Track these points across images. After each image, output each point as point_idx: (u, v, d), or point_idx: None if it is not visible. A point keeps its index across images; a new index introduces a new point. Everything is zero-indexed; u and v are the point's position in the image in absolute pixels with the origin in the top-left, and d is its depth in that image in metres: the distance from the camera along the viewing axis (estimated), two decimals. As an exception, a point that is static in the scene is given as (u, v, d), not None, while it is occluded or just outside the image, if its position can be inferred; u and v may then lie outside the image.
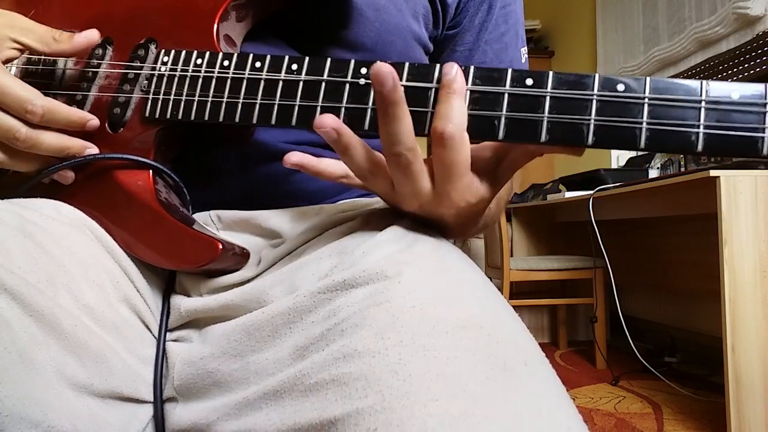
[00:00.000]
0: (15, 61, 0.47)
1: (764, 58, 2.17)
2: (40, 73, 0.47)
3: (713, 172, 1.38)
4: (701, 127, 0.30)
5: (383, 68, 0.32)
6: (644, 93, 0.32)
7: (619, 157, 3.06)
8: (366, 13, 0.49)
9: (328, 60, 0.38)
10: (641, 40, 2.95)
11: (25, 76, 0.47)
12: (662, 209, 1.85)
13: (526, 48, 0.62)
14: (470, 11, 0.57)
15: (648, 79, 0.32)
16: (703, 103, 0.31)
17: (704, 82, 0.31)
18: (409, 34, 0.52)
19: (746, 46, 2.21)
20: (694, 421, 1.67)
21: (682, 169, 2.23)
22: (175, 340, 0.43)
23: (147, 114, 0.43)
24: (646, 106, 0.31)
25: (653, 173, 2.33)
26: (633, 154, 2.86)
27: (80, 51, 0.44)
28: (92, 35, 0.44)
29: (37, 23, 0.44)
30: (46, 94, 0.43)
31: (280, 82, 0.39)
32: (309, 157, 0.37)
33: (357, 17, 0.49)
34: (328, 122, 0.34)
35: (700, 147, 0.30)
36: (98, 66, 0.46)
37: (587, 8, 3.44)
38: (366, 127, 0.37)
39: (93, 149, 0.43)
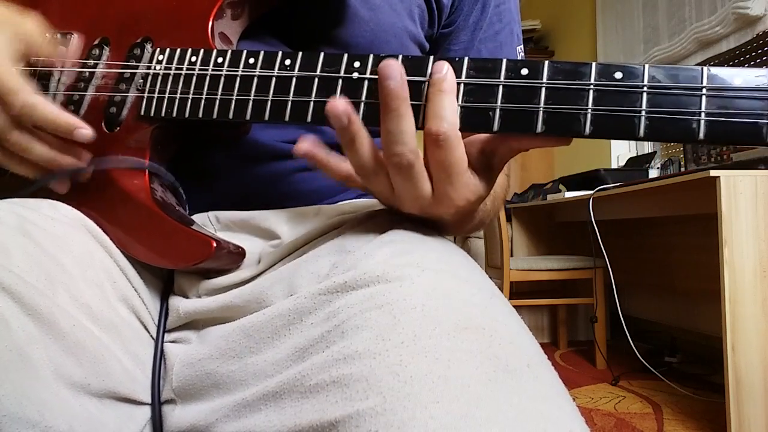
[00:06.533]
0: None
1: (764, 58, 2.17)
2: (38, 74, 0.47)
3: (713, 172, 1.37)
4: (702, 114, 0.30)
5: (391, 63, 0.31)
6: (643, 81, 0.31)
7: (619, 157, 3.06)
8: (361, 12, 0.49)
9: (322, 54, 0.38)
10: (641, 40, 2.94)
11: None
12: (662, 209, 1.85)
13: (522, 46, 0.62)
14: (464, 10, 0.56)
15: (647, 66, 0.31)
16: (704, 90, 0.30)
17: (705, 68, 0.30)
18: (405, 34, 0.52)
19: (746, 46, 2.21)
20: (694, 421, 1.67)
21: (682, 169, 2.23)
22: (173, 342, 0.42)
23: (142, 112, 0.43)
24: (645, 94, 0.31)
25: (653, 173, 2.33)
26: (633, 153, 2.86)
27: None
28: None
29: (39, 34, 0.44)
30: (44, 95, 0.42)
31: (273, 78, 0.39)
32: (320, 149, 0.36)
33: (352, 17, 0.49)
34: (341, 107, 0.33)
35: (701, 135, 0.30)
36: (95, 66, 0.46)
37: (587, 8, 3.43)
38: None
39: (83, 165, 0.43)
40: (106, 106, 0.44)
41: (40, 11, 0.49)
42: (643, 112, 0.31)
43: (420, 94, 0.34)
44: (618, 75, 0.31)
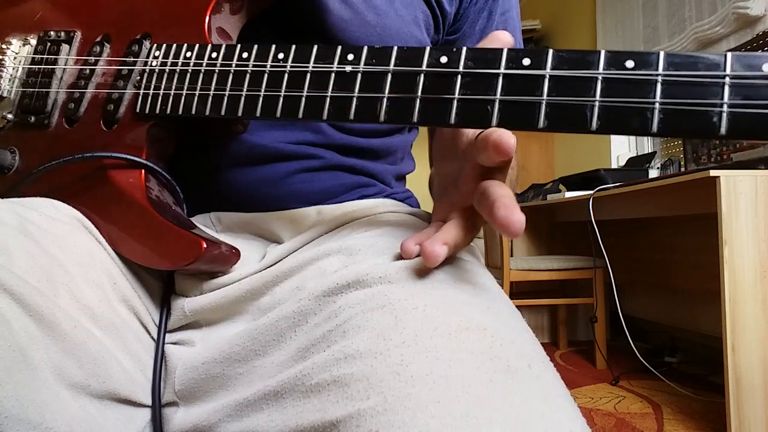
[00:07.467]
0: (21, 61, 0.47)
1: (764, 58, 2.16)
2: (42, 72, 0.47)
3: (713, 172, 1.37)
4: (725, 105, 0.26)
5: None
6: (657, 69, 0.28)
7: (619, 157, 3.06)
8: (367, 17, 0.49)
9: (315, 47, 0.37)
10: (641, 40, 2.94)
11: (29, 75, 0.47)
12: (662, 209, 1.84)
13: None
14: (470, 18, 0.57)
15: (662, 53, 0.28)
16: (727, 78, 0.26)
17: (729, 53, 0.27)
18: (412, 39, 0.52)
19: (746, 46, 2.21)
20: (694, 421, 1.67)
21: (682, 169, 2.23)
22: (174, 343, 0.42)
23: (138, 110, 0.42)
24: (659, 84, 0.28)
25: (653, 173, 2.33)
26: (633, 153, 2.86)
27: None
28: None
29: None
30: (47, 93, 0.43)
31: (266, 73, 0.38)
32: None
33: (359, 21, 0.49)
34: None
35: (723, 129, 0.26)
36: (96, 63, 0.46)
37: (587, 8, 3.43)
38: (351, 116, 0.35)
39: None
40: (104, 104, 0.44)
41: (47, 10, 0.50)
42: (657, 104, 0.27)
43: (452, 87, 0.32)
44: (629, 64, 0.28)
